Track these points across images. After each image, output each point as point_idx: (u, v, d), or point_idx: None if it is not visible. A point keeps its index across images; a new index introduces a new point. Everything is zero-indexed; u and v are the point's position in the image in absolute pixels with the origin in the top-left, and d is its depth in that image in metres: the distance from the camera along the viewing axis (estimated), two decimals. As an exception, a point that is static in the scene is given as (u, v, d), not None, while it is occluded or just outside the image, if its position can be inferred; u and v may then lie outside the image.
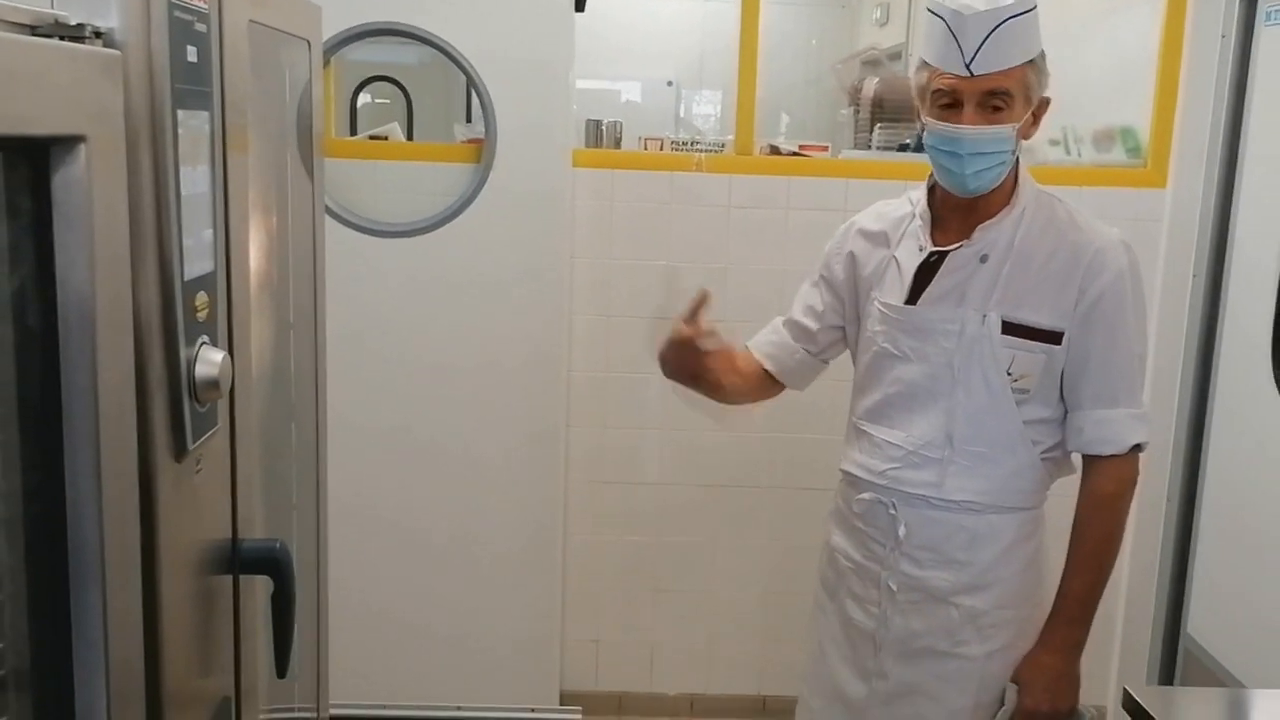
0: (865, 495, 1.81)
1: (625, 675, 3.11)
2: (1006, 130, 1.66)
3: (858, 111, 4.63)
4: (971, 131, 1.64)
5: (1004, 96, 1.64)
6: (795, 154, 3.05)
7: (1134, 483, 1.75)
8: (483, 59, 2.77)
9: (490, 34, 2.77)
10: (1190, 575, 2.94)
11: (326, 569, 1.97)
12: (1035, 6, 1.65)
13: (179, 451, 1.14)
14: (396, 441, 2.88)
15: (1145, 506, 3.00)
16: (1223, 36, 2.76)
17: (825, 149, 3.17)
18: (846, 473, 1.86)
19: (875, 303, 1.80)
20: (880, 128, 4.05)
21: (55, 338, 0.92)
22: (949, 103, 1.66)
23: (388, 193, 2.88)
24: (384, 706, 2.99)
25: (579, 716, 3.07)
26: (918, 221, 1.79)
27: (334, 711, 2.11)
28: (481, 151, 2.84)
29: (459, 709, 3.02)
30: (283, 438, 1.78)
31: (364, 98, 4.40)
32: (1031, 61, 1.66)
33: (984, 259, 1.72)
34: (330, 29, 2.48)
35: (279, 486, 1.76)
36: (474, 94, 2.86)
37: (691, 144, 3.06)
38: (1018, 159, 1.75)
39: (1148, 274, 2.92)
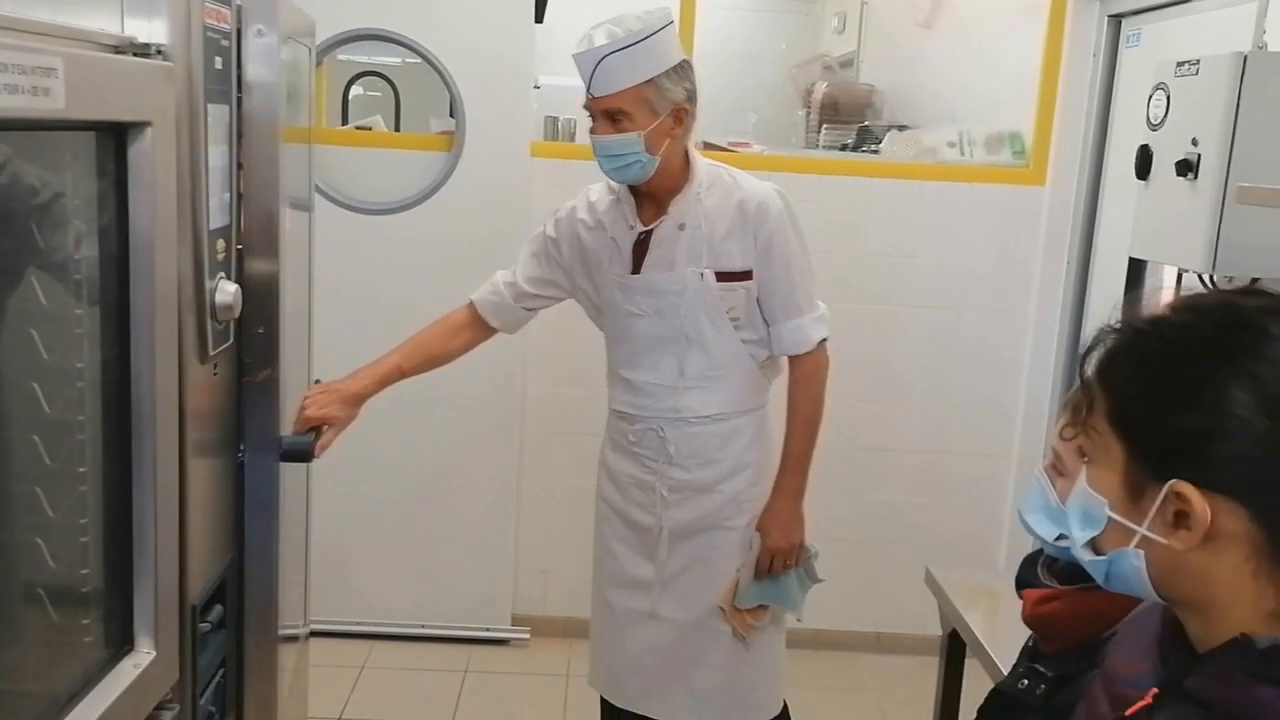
0: (638, 426, 2.23)
1: (570, 601, 3.49)
2: (630, 138, 2.05)
3: (809, 113, 5.06)
4: (600, 140, 2.08)
5: (621, 112, 2.04)
6: (726, 149, 3.47)
7: (826, 366, 2.21)
8: (454, 61, 3.19)
9: (461, 40, 3.20)
10: (1061, 522, 3.38)
11: (309, 496, 2.35)
12: (645, 39, 2.02)
13: (202, 355, 1.56)
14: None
15: (1025, 459, 3.45)
16: (1094, 55, 3.21)
17: (748, 145, 3.57)
18: (618, 410, 2.28)
19: (610, 275, 2.21)
20: (826, 128, 4.48)
21: (128, 261, 1.34)
22: (591, 118, 2.11)
23: (370, 176, 3.29)
24: (357, 623, 3.41)
25: (527, 636, 3.50)
26: (622, 206, 2.20)
27: (314, 626, 2.53)
28: (452, 142, 3.27)
29: (423, 626, 3.45)
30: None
31: (356, 90, 4.79)
32: (650, 81, 2.03)
33: (681, 227, 2.14)
34: (323, 34, 2.89)
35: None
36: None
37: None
38: (686, 147, 2.15)
39: (1028, 260, 3.38)
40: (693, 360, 2.16)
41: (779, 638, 2.32)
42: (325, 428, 2.06)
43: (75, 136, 1.31)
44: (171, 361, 1.43)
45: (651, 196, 2.16)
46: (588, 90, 2.06)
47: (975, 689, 2.13)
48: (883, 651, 3.52)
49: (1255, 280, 2.13)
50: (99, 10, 1.39)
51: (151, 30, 1.41)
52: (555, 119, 3.50)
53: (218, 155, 1.57)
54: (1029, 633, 1.32)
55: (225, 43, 1.58)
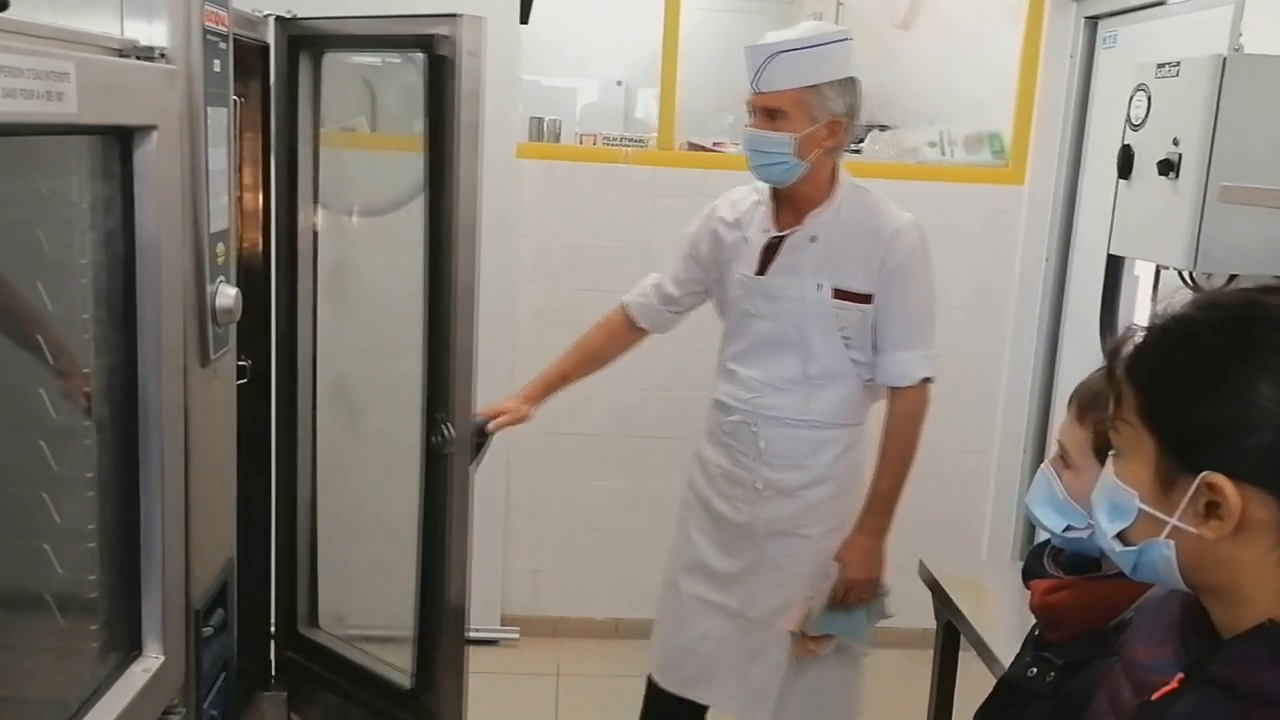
0: (734, 418, 2.27)
1: (559, 601, 3.53)
2: (781, 137, 2.09)
3: (786, 113, 5.08)
4: (751, 133, 2.14)
5: (779, 111, 2.10)
6: (710, 149, 3.49)
7: (925, 405, 2.22)
8: (439, 62, 3.18)
9: (446, 41, 3.19)
10: (1042, 516, 3.43)
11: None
12: (816, 46, 2.10)
13: (204, 359, 1.56)
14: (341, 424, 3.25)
15: (1005, 454, 3.50)
16: (1071, 57, 3.25)
17: (736, 145, 3.59)
18: (718, 401, 2.32)
19: (735, 273, 2.26)
20: (804, 128, 4.52)
21: (134, 263, 1.34)
22: (750, 112, 2.16)
23: (354, 177, 3.27)
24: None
25: (517, 636, 3.51)
26: (763, 208, 2.24)
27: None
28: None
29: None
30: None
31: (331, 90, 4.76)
32: (814, 87, 2.09)
33: (813, 239, 2.18)
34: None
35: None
36: (432, 92, 3.27)
37: (621, 139, 3.49)
38: (836, 163, 2.20)
39: (1008, 258, 3.43)
40: (798, 366, 2.20)
41: (853, 663, 2.34)
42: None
43: (79, 140, 1.31)
44: (177, 365, 1.43)
45: (791, 203, 2.20)
46: (752, 84, 2.11)
47: (966, 681, 2.18)
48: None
49: (1234, 277, 2.18)
50: (98, 13, 1.39)
51: (152, 33, 1.41)
52: (540, 119, 3.50)
53: (217, 159, 1.57)
54: (1020, 622, 1.34)
55: (223, 45, 1.58)
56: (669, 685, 2.38)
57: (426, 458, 2.22)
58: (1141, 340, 0.92)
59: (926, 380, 2.20)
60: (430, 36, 2.01)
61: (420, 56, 2.10)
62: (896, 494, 2.22)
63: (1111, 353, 0.93)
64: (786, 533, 2.25)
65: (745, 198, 2.30)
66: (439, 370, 2.15)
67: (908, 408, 2.21)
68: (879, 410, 2.29)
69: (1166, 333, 0.91)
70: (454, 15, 1.97)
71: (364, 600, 2.77)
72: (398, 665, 2.43)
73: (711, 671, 2.32)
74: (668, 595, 2.43)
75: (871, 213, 2.19)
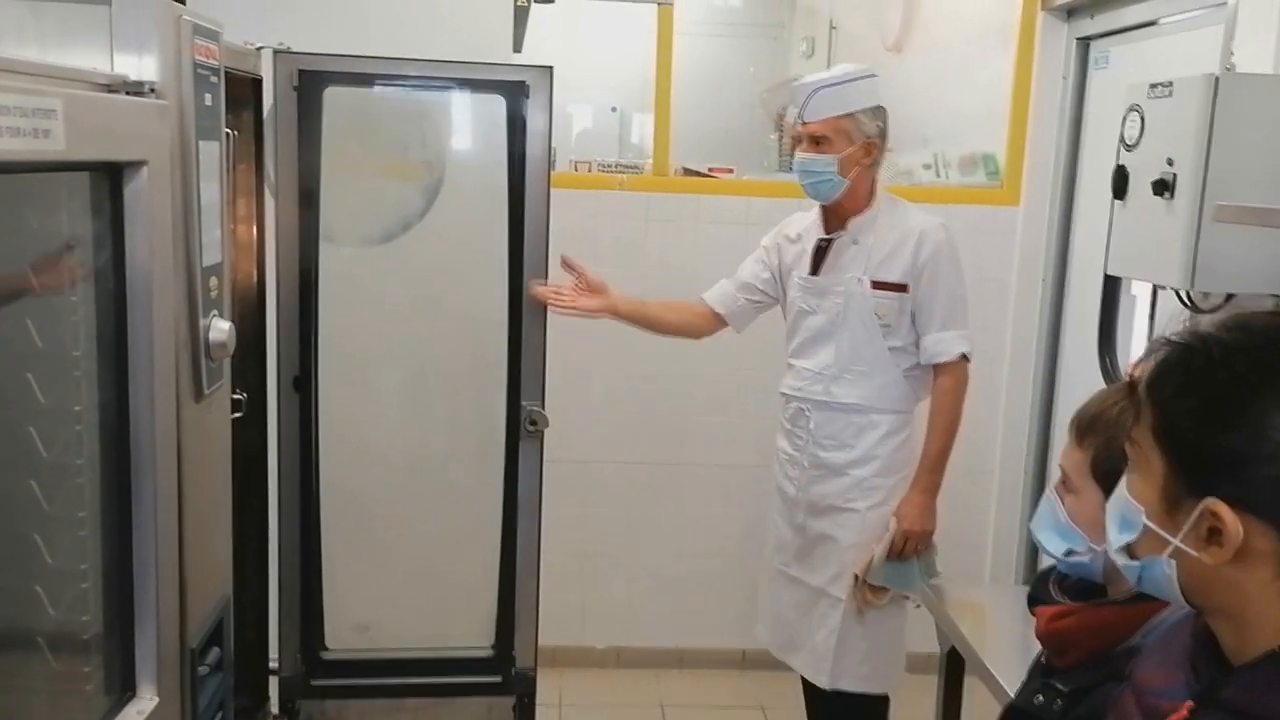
0: (792, 405, 2.62)
1: (559, 630, 3.48)
2: (825, 160, 2.46)
3: (781, 137, 5.11)
4: (800, 158, 2.51)
5: (822, 138, 2.46)
6: (706, 175, 3.50)
7: (965, 379, 2.54)
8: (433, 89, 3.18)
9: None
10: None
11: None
12: (849, 81, 2.46)
13: (198, 394, 1.55)
14: (361, 445, 3.24)
15: (1006, 475, 3.48)
16: (1063, 77, 3.26)
17: (731, 170, 3.61)
18: (783, 393, 2.66)
19: (795, 277, 2.61)
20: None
21: (125, 299, 1.33)
22: (798, 140, 2.54)
23: (354, 205, 3.27)
24: (355, 651, 3.35)
25: (517, 666, 3.47)
26: (816, 220, 2.60)
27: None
28: (434, 170, 3.26)
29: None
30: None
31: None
32: (850, 115, 2.45)
33: (855, 242, 2.54)
34: (301, 66, 2.88)
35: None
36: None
37: (616, 166, 3.49)
38: (874, 178, 2.56)
39: (1004, 279, 3.42)
40: (842, 353, 2.53)
41: (899, 621, 2.59)
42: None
43: (71, 176, 1.30)
44: (170, 400, 1.42)
45: (838, 214, 2.56)
46: (800, 116, 2.49)
47: (972, 706, 2.15)
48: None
49: (1230, 296, 2.17)
50: (88, 48, 1.39)
51: (142, 67, 1.41)
52: (535, 147, 3.50)
53: (209, 192, 1.57)
54: (1025, 647, 1.33)
55: (214, 79, 1.58)
56: (773, 650, 2.70)
57: (510, 441, 2.70)
58: (1164, 357, 0.90)
59: (964, 357, 2.50)
60: (521, 84, 2.59)
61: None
62: (944, 457, 2.52)
63: (1134, 365, 0.93)
64: (837, 507, 2.55)
65: (806, 218, 2.67)
66: (521, 364, 2.61)
67: (949, 380, 2.51)
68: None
69: (1191, 352, 0.89)
70: (539, 67, 2.59)
71: (407, 602, 2.98)
72: (465, 644, 2.92)
73: (793, 638, 2.63)
74: (765, 570, 2.75)
75: (904, 219, 2.54)
